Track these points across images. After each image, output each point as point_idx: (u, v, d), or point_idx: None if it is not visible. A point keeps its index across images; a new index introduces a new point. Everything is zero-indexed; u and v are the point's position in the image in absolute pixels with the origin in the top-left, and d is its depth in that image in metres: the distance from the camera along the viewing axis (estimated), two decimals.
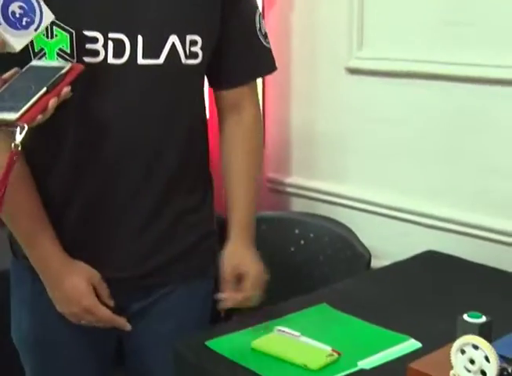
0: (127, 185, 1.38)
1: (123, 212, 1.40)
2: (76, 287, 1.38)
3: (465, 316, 1.21)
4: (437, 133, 1.93)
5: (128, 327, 1.44)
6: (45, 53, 1.28)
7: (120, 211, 1.40)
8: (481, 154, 1.85)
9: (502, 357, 1.10)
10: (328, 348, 1.32)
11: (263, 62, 1.52)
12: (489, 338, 1.15)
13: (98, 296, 1.41)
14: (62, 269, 1.39)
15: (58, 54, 1.28)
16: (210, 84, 1.53)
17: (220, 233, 1.66)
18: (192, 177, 1.47)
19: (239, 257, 1.47)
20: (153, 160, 1.39)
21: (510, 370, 1.09)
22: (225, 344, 1.36)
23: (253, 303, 1.44)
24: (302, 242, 2.08)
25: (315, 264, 2.04)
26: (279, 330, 1.39)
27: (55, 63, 1.26)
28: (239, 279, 1.44)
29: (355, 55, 2.05)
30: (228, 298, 1.43)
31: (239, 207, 1.52)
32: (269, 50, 1.51)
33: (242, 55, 1.47)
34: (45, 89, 1.15)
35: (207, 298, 1.56)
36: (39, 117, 1.14)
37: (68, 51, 1.28)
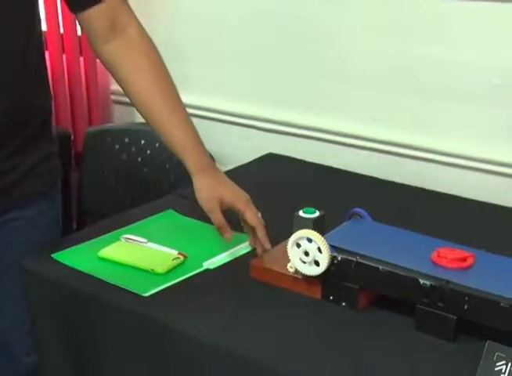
0: None
1: None
2: None
3: (300, 212, 1.27)
4: (272, 39, 1.96)
5: None
6: None
7: None
8: (314, 59, 1.91)
9: (333, 247, 1.18)
10: (174, 252, 1.35)
11: None
12: (322, 231, 1.22)
13: None
14: None
15: None
16: (72, 7, 1.34)
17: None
18: (25, 116, 1.34)
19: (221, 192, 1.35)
20: None
21: (339, 258, 1.17)
22: (72, 255, 1.36)
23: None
24: (148, 152, 2.10)
25: (162, 173, 2.07)
26: (126, 237, 1.41)
27: None
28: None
29: None
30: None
31: (185, 139, 1.36)
32: None
33: None
34: None
35: (56, 223, 1.51)
36: None
37: None
